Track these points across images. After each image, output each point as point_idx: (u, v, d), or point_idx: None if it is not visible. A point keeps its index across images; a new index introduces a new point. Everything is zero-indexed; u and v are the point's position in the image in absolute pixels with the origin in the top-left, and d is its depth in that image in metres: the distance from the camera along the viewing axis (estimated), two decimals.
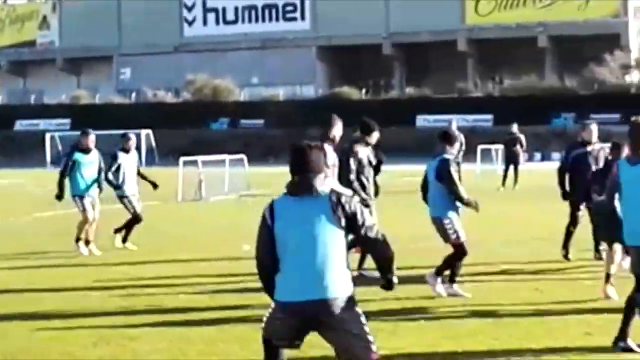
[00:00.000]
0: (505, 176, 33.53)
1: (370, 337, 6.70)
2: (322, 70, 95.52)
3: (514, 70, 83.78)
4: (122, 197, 17.78)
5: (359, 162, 13.27)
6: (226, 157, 35.57)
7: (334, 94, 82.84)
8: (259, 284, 7.05)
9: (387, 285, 7.12)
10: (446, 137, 12.22)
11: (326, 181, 7.22)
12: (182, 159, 32.77)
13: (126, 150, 17.95)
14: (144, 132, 70.34)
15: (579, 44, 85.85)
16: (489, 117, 73.11)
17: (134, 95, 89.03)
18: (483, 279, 13.42)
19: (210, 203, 30.05)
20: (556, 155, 61.90)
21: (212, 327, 10.49)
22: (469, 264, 13.78)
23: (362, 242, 7.02)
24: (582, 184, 13.57)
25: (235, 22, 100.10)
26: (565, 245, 14.91)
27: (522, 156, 35.36)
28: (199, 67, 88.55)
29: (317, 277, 6.58)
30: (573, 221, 14.89)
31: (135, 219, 17.86)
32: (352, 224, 6.64)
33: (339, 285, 6.63)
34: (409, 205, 26.01)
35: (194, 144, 63.45)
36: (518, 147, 34.01)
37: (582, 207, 14.41)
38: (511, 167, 33.74)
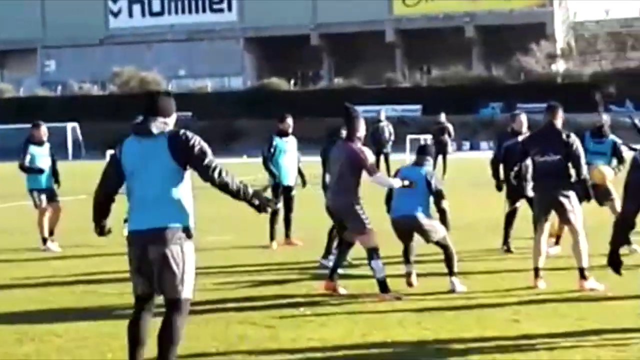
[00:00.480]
0: (434, 165, 33.59)
1: (188, 278, 7.26)
2: (250, 62, 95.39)
3: (441, 61, 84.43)
4: None
5: None
6: None
7: (262, 85, 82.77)
8: None
9: (257, 209, 7.54)
10: (427, 150, 12.24)
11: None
12: (109, 152, 32.34)
13: None
14: (69, 126, 69.58)
15: (506, 34, 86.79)
16: (418, 107, 73.54)
17: (59, 88, 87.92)
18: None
19: None
20: (484, 145, 62.52)
21: None
22: (397, 255, 13.80)
23: (206, 180, 7.35)
24: (517, 175, 13.58)
25: (161, 13, 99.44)
26: (506, 240, 14.94)
27: (451, 145, 35.54)
28: (126, 59, 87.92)
29: (153, 209, 7.24)
30: (513, 212, 14.92)
31: None
32: (190, 160, 7.25)
33: (172, 217, 7.25)
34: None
35: (121, 137, 62.48)
36: (446, 136, 34.11)
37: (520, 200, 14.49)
38: (440, 157, 33.84)
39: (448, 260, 11.70)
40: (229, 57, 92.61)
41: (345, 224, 11.67)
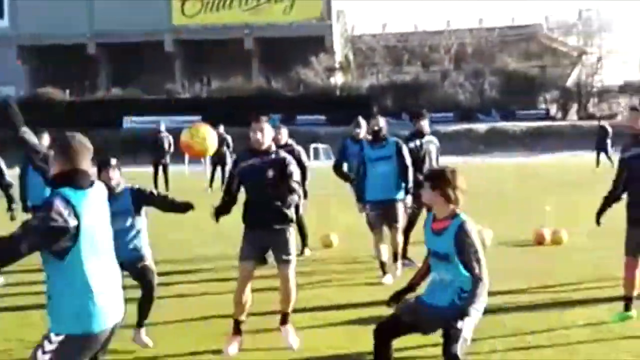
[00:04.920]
0: (212, 177, 33.39)
1: None
2: (24, 71, 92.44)
3: (221, 72, 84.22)
4: None
5: None
6: None
7: (37, 95, 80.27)
8: None
9: None
10: None
11: None
12: None
13: None
14: None
15: (285, 47, 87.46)
16: (198, 118, 72.98)
17: None
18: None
19: None
20: None
21: None
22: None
23: None
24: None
25: None
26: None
27: (230, 157, 35.31)
28: None
29: None
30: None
31: None
32: None
33: None
34: None
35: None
36: (225, 148, 33.93)
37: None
38: (219, 168, 33.64)
39: None
40: (1, 65, 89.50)
41: None
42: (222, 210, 9.82)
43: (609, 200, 10.50)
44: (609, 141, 42.26)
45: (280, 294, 9.60)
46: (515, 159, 60.70)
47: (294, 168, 9.56)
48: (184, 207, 9.75)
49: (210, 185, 32.81)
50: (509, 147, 68.78)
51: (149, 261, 9.52)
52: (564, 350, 9.00)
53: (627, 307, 10.36)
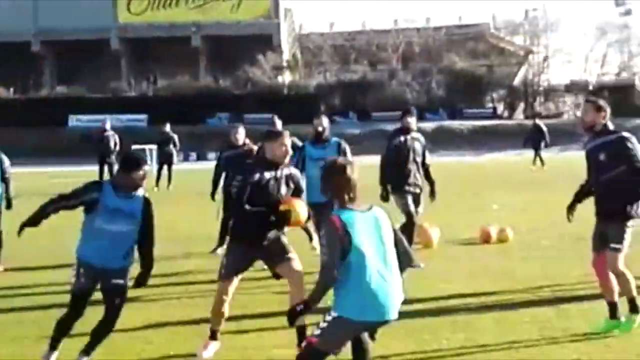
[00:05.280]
0: (159, 176, 33.06)
1: None
2: None
3: (168, 70, 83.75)
4: None
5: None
6: None
7: None
8: None
9: None
10: None
11: None
12: None
13: None
14: None
15: (233, 45, 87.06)
16: (144, 116, 72.60)
17: None
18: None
19: None
20: (212, 155, 62.36)
21: None
22: None
23: None
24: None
25: None
26: None
27: (176, 156, 35.08)
28: None
29: None
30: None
31: None
32: None
33: None
34: None
35: None
36: (171, 146, 33.69)
37: None
38: (165, 167, 33.37)
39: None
40: None
41: None
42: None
43: (579, 194, 9.97)
44: (544, 140, 42.27)
45: (293, 299, 8.50)
46: (462, 157, 61.03)
47: (303, 183, 9.28)
48: (147, 265, 8.52)
49: (157, 185, 32.53)
50: (456, 145, 69.09)
51: (127, 279, 8.33)
52: (511, 350, 8.95)
53: (613, 314, 9.63)
